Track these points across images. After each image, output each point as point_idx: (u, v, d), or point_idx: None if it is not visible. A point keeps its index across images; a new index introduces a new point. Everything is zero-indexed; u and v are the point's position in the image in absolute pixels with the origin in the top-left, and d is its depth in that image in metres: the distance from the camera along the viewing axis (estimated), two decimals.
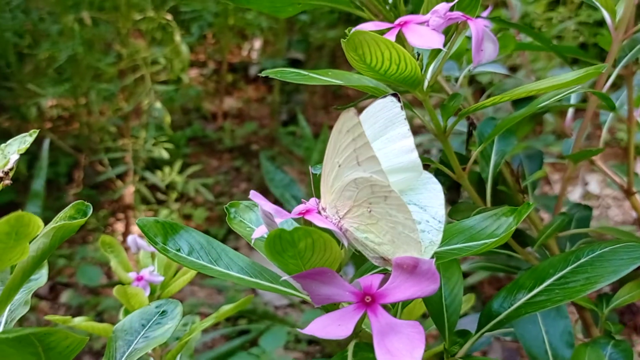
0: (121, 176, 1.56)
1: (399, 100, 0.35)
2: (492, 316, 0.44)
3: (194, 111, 2.28)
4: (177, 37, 1.47)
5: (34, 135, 0.40)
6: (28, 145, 0.39)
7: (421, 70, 0.46)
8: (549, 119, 1.26)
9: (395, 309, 0.42)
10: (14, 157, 0.34)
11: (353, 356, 0.35)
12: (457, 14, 0.43)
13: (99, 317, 1.35)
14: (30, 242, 0.33)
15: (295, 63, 2.36)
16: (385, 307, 0.34)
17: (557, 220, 0.57)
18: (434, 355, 0.45)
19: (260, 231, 0.38)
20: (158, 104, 1.43)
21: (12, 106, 1.52)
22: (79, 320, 0.59)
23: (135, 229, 1.68)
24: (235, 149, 2.13)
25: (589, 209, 0.70)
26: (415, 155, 0.35)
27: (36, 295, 1.46)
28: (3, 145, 0.40)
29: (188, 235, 0.40)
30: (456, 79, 0.82)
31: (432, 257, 0.34)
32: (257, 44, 2.58)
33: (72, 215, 0.37)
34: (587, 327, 0.63)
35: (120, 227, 1.64)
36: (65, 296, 1.41)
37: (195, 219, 1.71)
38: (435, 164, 0.51)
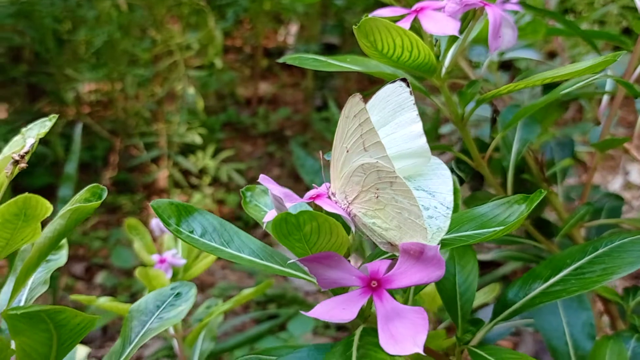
0: (156, 160, 1.59)
1: (408, 85, 0.35)
2: (507, 305, 0.43)
3: (229, 96, 2.29)
4: (211, 23, 1.48)
5: (54, 120, 0.41)
6: (47, 130, 0.40)
7: (438, 56, 0.45)
8: (587, 107, 1.23)
9: (406, 294, 0.41)
10: (30, 141, 0.35)
11: (359, 340, 0.36)
12: None
13: (132, 298, 1.38)
14: (44, 224, 0.34)
15: (330, 48, 2.35)
16: (391, 292, 0.34)
17: (581, 210, 0.55)
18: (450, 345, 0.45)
19: (271, 215, 0.38)
20: (191, 89, 1.44)
21: (51, 91, 1.55)
22: (103, 301, 0.61)
23: None
24: (269, 135, 2.14)
25: (620, 199, 0.68)
26: (423, 141, 0.35)
27: (73, 275, 1.50)
28: (24, 129, 0.41)
29: (202, 218, 0.40)
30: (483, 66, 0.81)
31: (439, 244, 0.33)
32: (293, 29, 2.58)
33: (87, 198, 0.38)
34: (613, 321, 0.62)
35: (152, 211, 1.67)
36: (100, 277, 1.44)
37: (229, 204, 1.73)
38: (454, 152, 0.50)
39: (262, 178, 0.36)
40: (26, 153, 0.34)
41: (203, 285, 1.48)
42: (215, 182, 1.78)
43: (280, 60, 0.49)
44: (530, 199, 0.36)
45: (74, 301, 0.61)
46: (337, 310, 0.33)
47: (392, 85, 0.35)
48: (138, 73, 1.36)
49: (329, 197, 0.37)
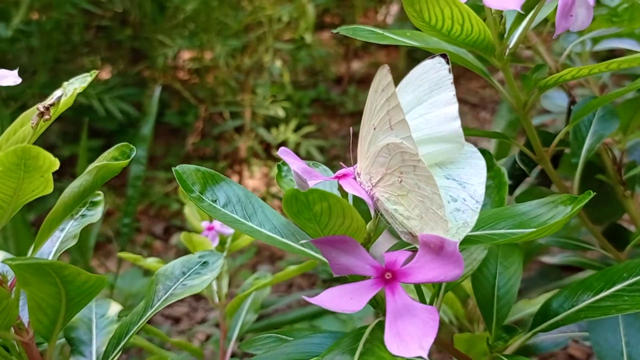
0: (239, 130, 1.61)
1: (448, 62, 0.32)
2: (549, 315, 0.39)
3: (321, 73, 2.28)
4: None
5: (94, 75, 0.41)
6: (86, 85, 0.40)
7: (503, 35, 0.41)
8: None
9: (435, 289, 0.38)
10: (57, 94, 0.35)
11: (370, 334, 0.33)
12: None
13: None
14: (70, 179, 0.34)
15: None
16: (406, 286, 0.32)
17: None
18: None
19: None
20: (278, 63, 1.44)
21: (149, 56, 1.61)
22: (150, 261, 0.62)
23: (249, 182, 1.74)
24: (357, 114, 2.11)
25: None
26: (457, 125, 0.31)
27: (152, 234, 1.56)
28: (66, 82, 0.41)
29: (228, 187, 0.39)
30: (576, 53, 0.75)
31: (460, 240, 0.30)
32: (394, 9, 2.52)
33: (115, 156, 0.38)
34: None
35: (235, 179, 1.70)
36: (175, 238, 1.49)
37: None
38: (514, 143, 0.46)
39: (282, 151, 0.34)
40: (51, 105, 0.34)
41: (273, 257, 1.50)
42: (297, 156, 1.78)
43: (335, 31, 0.47)
44: (577, 200, 0.32)
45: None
46: (344, 299, 0.31)
47: (431, 61, 0.32)
48: (227, 43, 1.38)
49: (355, 178, 0.35)
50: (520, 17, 0.41)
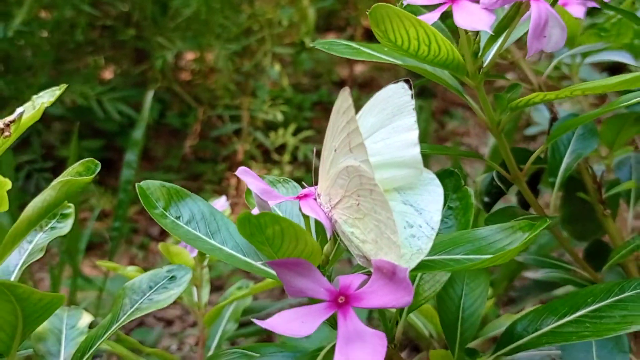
0: (237, 133, 1.61)
1: (411, 88, 0.32)
2: (513, 339, 0.39)
3: (325, 75, 2.28)
4: (305, 1, 1.47)
5: (63, 89, 0.41)
6: (54, 100, 0.40)
7: (477, 53, 0.41)
8: None
9: (397, 312, 0.38)
10: (19, 110, 0.35)
11: (324, 357, 0.33)
12: None
13: None
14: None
15: None
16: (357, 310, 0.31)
17: (637, 240, 0.49)
18: None
19: (256, 211, 0.36)
20: (277, 67, 1.44)
21: (150, 57, 1.61)
22: (130, 269, 0.62)
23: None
24: None
25: None
26: (416, 151, 0.31)
27: (149, 235, 1.57)
28: (35, 96, 0.42)
29: (193, 204, 0.39)
30: (567, 65, 0.74)
31: (410, 267, 0.30)
32: None
33: (79, 172, 0.38)
34: None
35: (234, 181, 1.71)
36: (170, 239, 1.49)
37: (308, 182, 1.73)
38: (487, 162, 0.46)
39: (241, 171, 0.34)
40: (12, 122, 0.34)
41: None
42: (295, 160, 1.78)
43: (313, 45, 0.47)
44: (534, 227, 0.31)
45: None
46: (295, 323, 0.31)
47: (395, 85, 0.32)
48: (227, 46, 1.38)
49: (315, 199, 0.34)
50: (494, 36, 0.41)
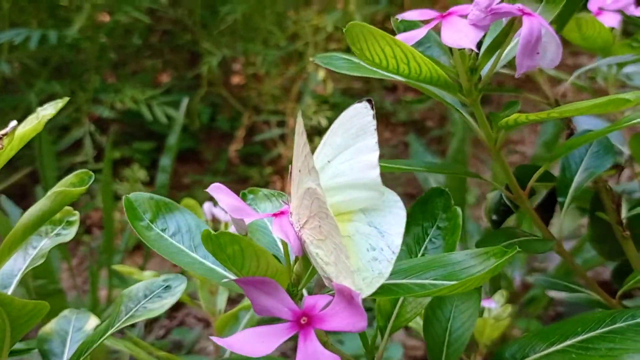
0: (283, 138, 1.63)
1: (372, 108, 0.31)
2: None
3: (377, 80, 2.26)
4: (352, 6, 1.46)
5: (65, 101, 0.43)
6: (55, 112, 0.42)
7: (473, 70, 0.40)
8: None
9: (375, 333, 0.38)
10: (12, 124, 0.36)
11: None
12: (507, 6, 0.36)
13: None
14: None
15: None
16: (319, 332, 0.31)
17: None
18: None
19: (233, 229, 0.36)
20: (321, 73, 1.45)
21: (198, 62, 1.65)
22: (147, 274, 0.63)
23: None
24: (409, 123, 2.09)
25: None
26: (375, 174, 0.31)
27: None
28: (40, 108, 0.43)
29: (181, 216, 0.40)
30: (604, 77, 0.71)
31: (365, 292, 0.30)
32: None
33: (74, 182, 0.39)
34: None
35: (279, 185, 1.72)
36: None
37: None
38: (488, 181, 0.44)
39: (213, 188, 0.34)
40: (4, 135, 0.35)
41: None
42: None
43: (312, 59, 0.46)
44: (505, 254, 0.30)
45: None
46: (255, 342, 0.31)
47: (359, 105, 0.32)
48: (272, 52, 1.39)
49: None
50: (488, 53, 0.39)
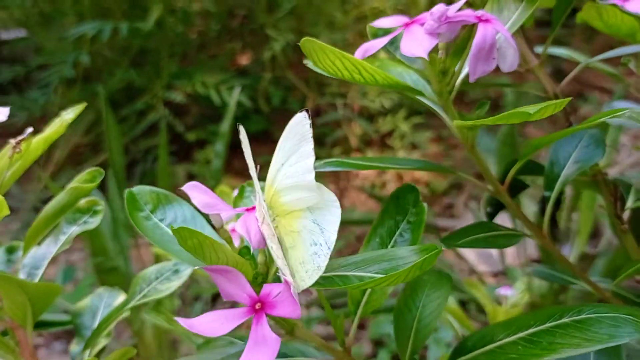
0: (346, 120, 1.66)
1: (309, 118, 0.35)
2: (463, 352, 0.40)
3: None
4: None
5: (82, 107, 0.48)
6: (74, 117, 0.47)
7: (444, 72, 0.42)
8: None
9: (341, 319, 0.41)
10: (28, 130, 0.42)
11: None
12: (462, 14, 0.38)
13: None
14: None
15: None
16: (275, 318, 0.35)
17: None
18: None
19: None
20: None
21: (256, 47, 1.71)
22: None
23: (361, 172, 1.78)
24: (474, 102, 2.05)
25: None
26: (311, 177, 0.34)
27: None
28: (63, 112, 0.49)
29: (179, 207, 0.44)
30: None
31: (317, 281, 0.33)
32: None
33: (87, 179, 0.45)
34: None
35: None
36: None
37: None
38: (461, 176, 0.46)
39: (189, 186, 0.38)
40: (22, 140, 0.41)
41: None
42: (410, 145, 1.79)
43: (305, 62, 0.49)
44: (434, 251, 0.33)
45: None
46: (215, 323, 0.35)
47: (300, 114, 0.36)
48: (334, 36, 1.42)
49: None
50: (454, 57, 0.41)
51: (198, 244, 0.34)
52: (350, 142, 1.72)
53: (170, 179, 1.32)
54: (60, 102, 1.48)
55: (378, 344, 1.16)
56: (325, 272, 0.34)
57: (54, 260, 0.50)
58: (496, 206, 0.50)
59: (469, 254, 1.42)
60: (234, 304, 0.38)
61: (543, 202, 0.51)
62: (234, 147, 1.75)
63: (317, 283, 0.34)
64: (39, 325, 0.60)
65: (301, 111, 0.35)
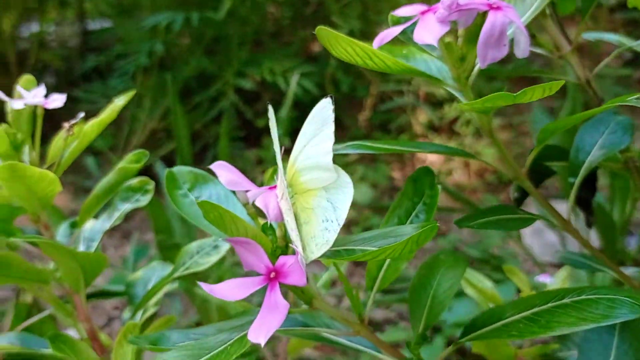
0: (411, 107, 1.66)
1: (333, 103, 0.37)
2: (474, 329, 0.42)
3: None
4: None
5: (132, 94, 0.53)
6: (125, 103, 0.52)
7: (463, 58, 0.44)
8: None
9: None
10: (80, 115, 0.47)
11: None
12: (473, 2, 0.39)
13: None
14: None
15: None
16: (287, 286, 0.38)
17: None
18: None
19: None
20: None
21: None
22: None
23: (428, 157, 1.78)
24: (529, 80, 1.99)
25: None
26: (328, 159, 0.37)
27: None
28: (116, 99, 0.54)
29: (214, 187, 0.48)
30: None
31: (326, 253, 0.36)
32: None
33: (133, 160, 0.50)
34: None
35: (409, 153, 1.76)
36: None
37: (484, 156, 1.71)
38: (480, 160, 0.47)
39: (216, 165, 0.42)
40: (75, 124, 0.46)
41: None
42: (478, 133, 1.77)
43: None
44: (431, 229, 0.35)
45: None
46: (233, 289, 0.38)
47: (325, 100, 0.38)
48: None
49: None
50: (468, 43, 0.42)
51: (219, 216, 0.37)
52: (414, 128, 1.72)
53: (240, 163, 1.37)
54: (138, 89, 1.57)
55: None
56: (335, 246, 0.37)
57: (128, 239, 0.55)
58: (523, 192, 0.51)
59: (534, 244, 1.40)
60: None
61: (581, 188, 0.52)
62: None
63: (325, 255, 0.37)
64: (99, 294, 0.66)
65: (326, 97, 0.38)
